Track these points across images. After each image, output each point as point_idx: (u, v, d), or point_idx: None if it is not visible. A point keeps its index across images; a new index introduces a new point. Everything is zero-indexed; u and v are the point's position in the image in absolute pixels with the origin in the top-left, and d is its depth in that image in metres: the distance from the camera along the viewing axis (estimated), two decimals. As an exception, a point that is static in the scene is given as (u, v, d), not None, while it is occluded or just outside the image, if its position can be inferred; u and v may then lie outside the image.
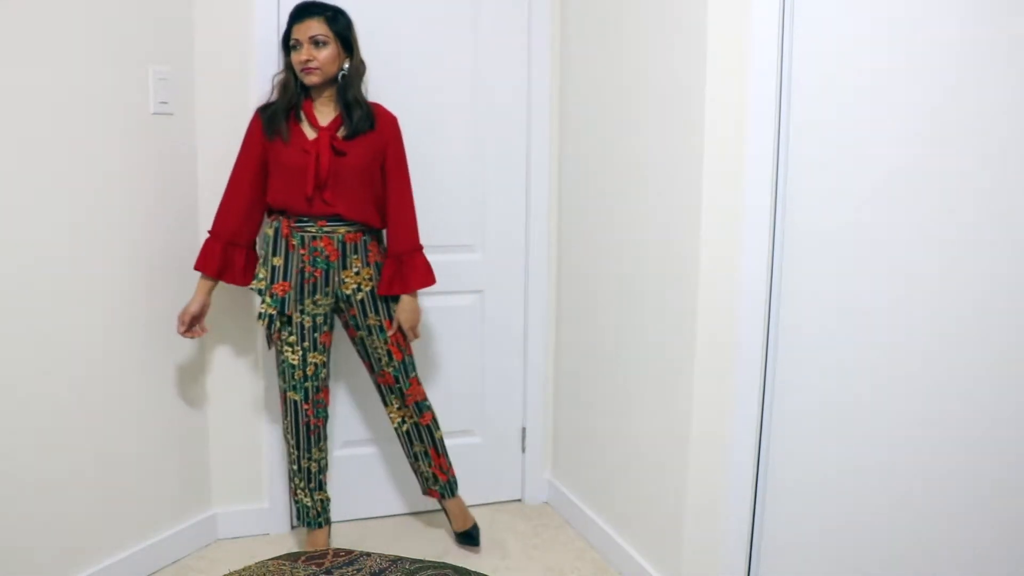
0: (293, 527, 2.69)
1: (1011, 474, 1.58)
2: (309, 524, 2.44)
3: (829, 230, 1.90)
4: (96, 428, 2.21)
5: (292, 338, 2.31)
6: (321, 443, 2.41)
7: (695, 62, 2.00)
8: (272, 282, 2.27)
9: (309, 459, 2.39)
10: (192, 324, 2.30)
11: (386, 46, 2.53)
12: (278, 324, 2.29)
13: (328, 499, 2.46)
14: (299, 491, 2.42)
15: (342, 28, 2.25)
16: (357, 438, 2.75)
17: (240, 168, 2.30)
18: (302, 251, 2.28)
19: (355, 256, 2.32)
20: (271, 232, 2.29)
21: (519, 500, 2.96)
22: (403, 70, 2.60)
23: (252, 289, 2.32)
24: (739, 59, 1.96)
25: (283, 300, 2.27)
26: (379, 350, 2.40)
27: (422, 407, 2.47)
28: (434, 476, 2.52)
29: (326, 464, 2.46)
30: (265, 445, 2.62)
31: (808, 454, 1.99)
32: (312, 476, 2.41)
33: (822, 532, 1.97)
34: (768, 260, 2.02)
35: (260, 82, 2.45)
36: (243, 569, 1.42)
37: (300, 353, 2.32)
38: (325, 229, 2.28)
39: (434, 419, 2.51)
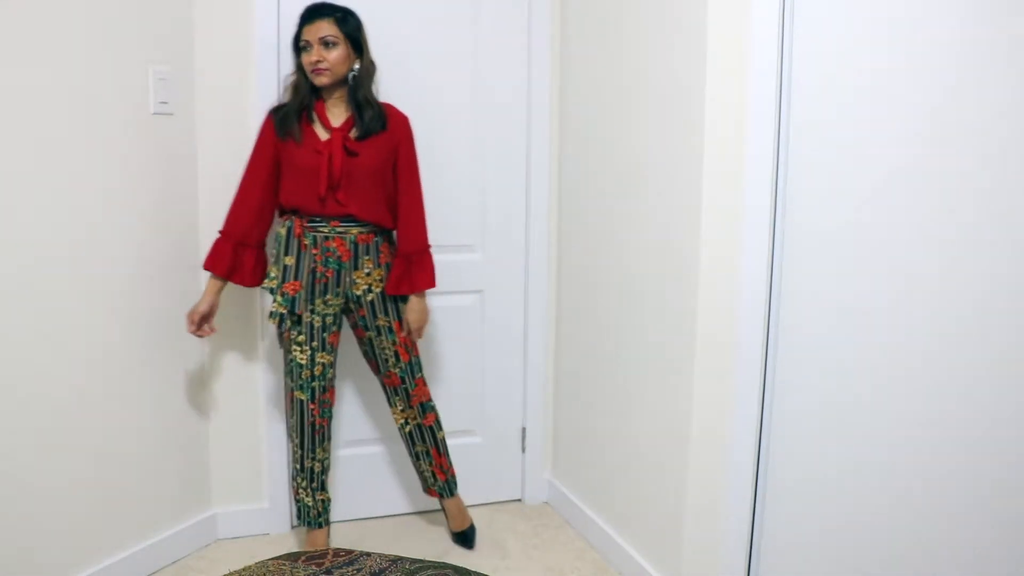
0: (293, 527, 2.69)
1: (1011, 474, 1.58)
2: (309, 524, 2.44)
3: (829, 230, 1.90)
4: (96, 428, 2.21)
5: (301, 337, 2.31)
6: (325, 443, 2.41)
7: (695, 62, 2.00)
8: (283, 281, 2.28)
9: (312, 459, 2.40)
10: (201, 323, 2.30)
11: (386, 46, 2.52)
12: (288, 323, 2.30)
13: (329, 499, 2.47)
14: (301, 490, 2.42)
15: (352, 29, 2.26)
16: (357, 438, 2.75)
17: (252, 169, 2.31)
18: (314, 251, 2.29)
19: (367, 257, 2.33)
20: (283, 232, 2.30)
21: (519, 500, 2.96)
22: (403, 70, 2.60)
23: (264, 288, 2.33)
24: (739, 59, 1.96)
25: (293, 299, 2.27)
26: (387, 351, 2.40)
27: (426, 408, 2.49)
28: (433, 475, 2.53)
29: (329, 465, 2.46)
30: (265, 445, 2.62)
31: (808, 454, 1.99)
32: (315, 476, 2.41)
33: (822, 532, 1.97)
34: (768, 260, 2.02)
35: (260, 82, 2.46)
36: (243, 569, 1.42)
37: (308, 353, 2.32)
38: (338, 229, 2.29)
39: (437, 420, 2.52)
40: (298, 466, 2.41)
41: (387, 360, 2.42)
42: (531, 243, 2.83)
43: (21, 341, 2.01)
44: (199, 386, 2.53)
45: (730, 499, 2.11)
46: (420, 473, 2.57)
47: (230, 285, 2.36)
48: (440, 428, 2.53)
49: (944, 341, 1.68)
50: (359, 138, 2.28)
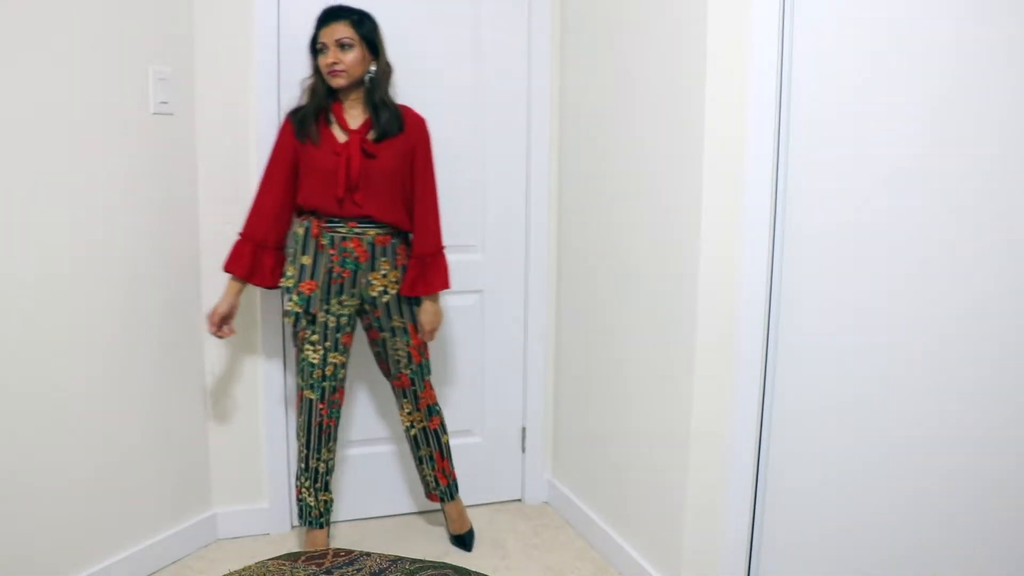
0: (293, 527, 2.69)
1: (1011, 474, 1.58)
2: (310, 524, 2.44)
3: (829, 230, 1.90)
4: (96, 428, 2.20)
5: (315, 337, 2.32)
6: (331, 443, 2.42)
7: (695, 62, 2.00)
8: (300, 280, 2.29)
9: (318, 459, 2.40)
10: (221, 324, 2.31)
11: (386, 46, 2.52)
12: (303, 322, 2.31)
13: (331, 500, 2.47)
14: (304, 490, 2.42)
15: (367, 31, 2.28)
16: (358, 438, 2.75)
17: (271, 171, 2.32)
18: (331, 251, 2.30)
19: (384, 259, 2.34)
20: (301, 231, 2.31)
21: (519, 500, 2.96)
22: (403, 70, 2.59)
23: (280, 287, 2.34)
24: (739, 59, 1.96)
25: (309, 299, 2.28)
26: (400, 352, 2.42)
27: (432, 411, 2.50)
28: (436, 480, 2.55)
29: (333, 465, 2.46)
30: (265, 445, 2.62)
31: (808, 454, 1.99)
32: (319, 476, 2.41)
33: (822, 532, 1.97)
34: (768, 260, 2.02)
35: (260, 82, 2.46)
36: (243, 569, 1.42)
37: (321, 352, 2.33)
38: (356, 230, 2.30)
39: (442, 424, 2.54)
40: (303, 465, 2.41)
41: (399, 361, 2.43)
42: (531, 243, 2.83)
43: (21, 341, 2.01)
44: (199, 386, 2.53)
45: (730, 499, 2.11)
46: (423, 477, 2.58)
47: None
48: (444, 432, 2.54)
49: (944, 341, 1.68)
50: (376, 140, 2.29)
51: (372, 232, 2.32)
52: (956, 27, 1.62)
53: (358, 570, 1.40)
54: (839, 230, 1.88)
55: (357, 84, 2.30)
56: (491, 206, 2.78)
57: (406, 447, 2.75)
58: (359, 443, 2.75)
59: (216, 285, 2.44)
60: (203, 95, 2.43)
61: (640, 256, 2.31)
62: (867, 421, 1.84)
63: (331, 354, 2.34)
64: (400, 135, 2.32)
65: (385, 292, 2.36)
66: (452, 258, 2.70)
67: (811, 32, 1.90)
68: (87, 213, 2.13)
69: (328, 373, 2.35)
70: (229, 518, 2.61)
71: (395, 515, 2.82)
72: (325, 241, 2.29)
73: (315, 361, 2.33)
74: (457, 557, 2.54)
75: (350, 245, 2.30)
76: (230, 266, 2.31)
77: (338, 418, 2.42)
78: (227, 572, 1.61)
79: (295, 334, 2.38)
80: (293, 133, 2.29)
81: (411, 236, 2.43)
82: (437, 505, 2.66)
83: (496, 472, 2.92)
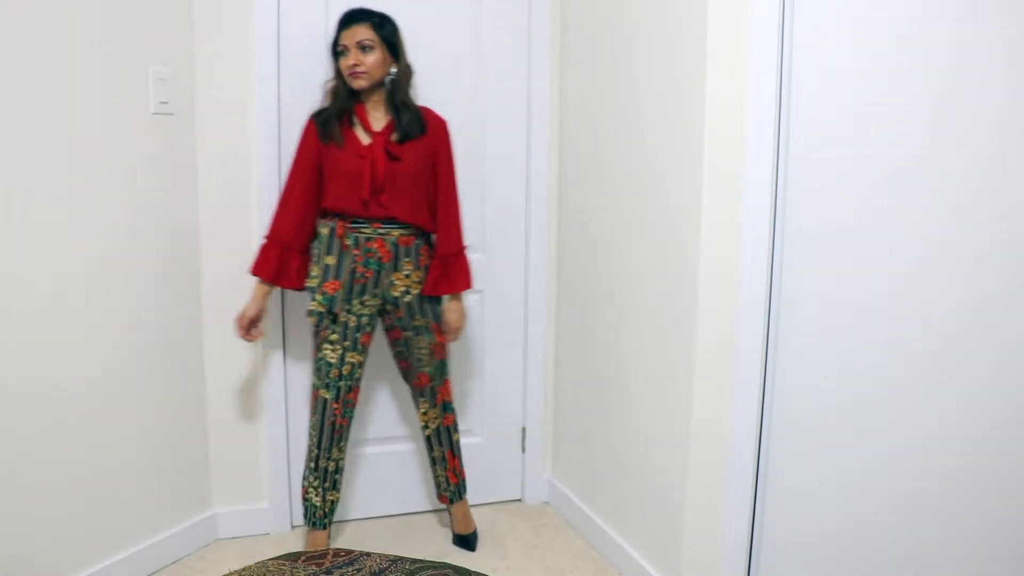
0: (293, 527, 2.69)
1: (1011, 474, 1.58)
2: (314, 524, 2.44)
3: (829, 230, 1.90)
4: (96, 428, 2.20)
5: (334, 336, 2.33)
6: (342, 443, 2.42)
7: (695, 62, 2.00)
8: (324, 280, 2.30)
9: (328, 458, 2.40)
10: (250, 328, 2.32)
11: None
12: (326, 322, 2.31)
13: (337, 500, 2.47)
14: (311, 490, 2.42)
15: (388, 34, 2.29)
16: (358, 438, 2.75)
17: (295, 174, 2.33)
18: (355, 252, 2.31)
19: (407, 259, 2.36)
20: (326, 232, 2.32)
21: (519, 500, 2.96)
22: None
23: (305, 288, 2.35)
24: (739, 59, 1.96)
25: (332, 298, 2.29)
26: (423, 350, 2.43)
27: (447, 408, 2.53)
28: (447, 480, 2.57)
29: (343, 465, 2.46)
30: (265, 445, 2.62)
31: (808, 454, 1.99)
32: (328, 475, 2.42)
33: (822, 532, 1.97)
34: (768, 260, 2.02)
35: (260, 82, 2.45)
36: (243, 569, 1.42)
37: (339, 352, 2.34)
38: (380, 231, 2.32)
39: (455, 423, 2.56)
40: (312, 465, 2.41)
41: (421, 360, 2.44)
42: (531, 243, 2.83)
43: (21, 341, 2.01)
44: (199, 386, 2.52)
45: (730, 499, 2.11)
46: (436, 479, 2.60)
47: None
48: (456, 430, 2.57)
49: (944, 341, 1.68)
50: (400, 141, 2.31)
51: (396, 233, 2.33)
52: (956, 27, 1.62)
53: (358, 570, 1.40)
54: (839, 230, 1.87)
55: (378, 86, 2.31)
56: (491, 206, 2.79)
57: (417, 446, 2.76)
58: (360, 443, 2.75)
59: (216, 285, 2.45)
60: (203, 95, 2.43)
61: (640, 256, 2.31)
62: (867, 421, 1.84)
63: (349, 354, 2.35)
64: (423, 137, 2.34)
65: (408, 292, 2.37)
66: (452, 258, 2.72)
67: (811, 32, 1.90)
68: (87, 213, 2.13)
69: (345, 372, 2.35)
70: (229, 518, 2.61)
71: (395, 515, 2.82)
72: (349, 242, 2.31)
73: (333, 360, 2.34)
74: (457, 557, 2.54)
75: (374, 245, 2.31)
76: (257, 270, 2.31)
77: (351, 418, 2.43)
78: (227, 572, 1.61)
79: (316, 333, 2.39)
80: (317, 135, 2.30)
81: (433, 237, 2.44)
82: (437, 505, 2.67)
83: (496, 472, 2.92)
